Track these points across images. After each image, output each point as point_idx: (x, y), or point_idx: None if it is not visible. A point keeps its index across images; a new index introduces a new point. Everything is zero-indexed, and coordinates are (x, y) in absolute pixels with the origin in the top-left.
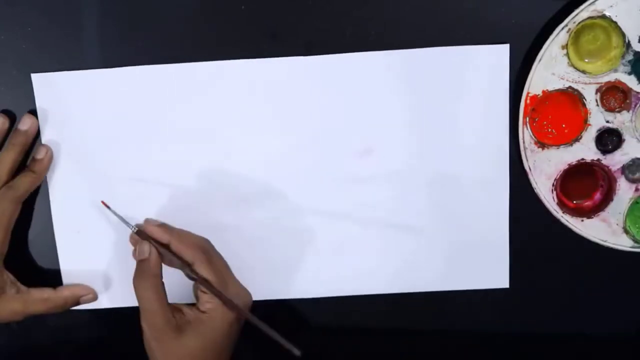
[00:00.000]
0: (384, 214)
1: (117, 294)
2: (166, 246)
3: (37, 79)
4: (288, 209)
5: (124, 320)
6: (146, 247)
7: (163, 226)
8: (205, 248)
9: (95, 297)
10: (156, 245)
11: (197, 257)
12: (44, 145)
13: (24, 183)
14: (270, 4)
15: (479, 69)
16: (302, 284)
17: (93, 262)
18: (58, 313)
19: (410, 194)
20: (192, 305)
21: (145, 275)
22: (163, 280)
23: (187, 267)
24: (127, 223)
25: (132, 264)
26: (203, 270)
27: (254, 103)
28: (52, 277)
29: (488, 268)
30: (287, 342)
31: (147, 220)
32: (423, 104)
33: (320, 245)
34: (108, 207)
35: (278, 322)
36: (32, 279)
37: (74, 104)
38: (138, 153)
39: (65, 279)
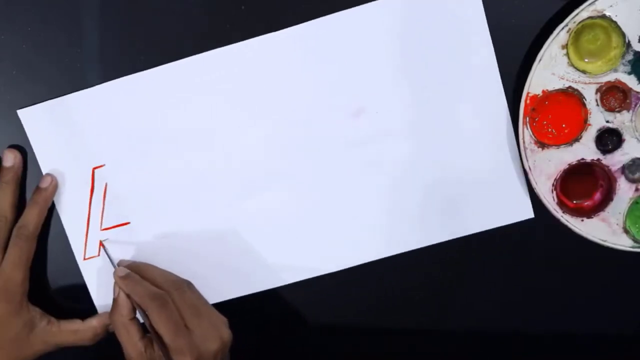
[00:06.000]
0: (390, 173)
1: None
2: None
3: (23, 114)
4: (291, 184)
5: None
6: (116, 287)
7: (125, 277)
8: (161, 298)
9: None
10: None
11: (150, 307)
12: (48, 174)
13: (32, 216)
14: (270, 3)
15: (454, 16)
16: (311, 258)
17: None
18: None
19: (413, 154)
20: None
21: (115, 312)
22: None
23: (145, 317)
24: (113, 264)
25: None
26: (155, 321)
27: (249, 85)
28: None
29: (508, 203)
30: None
31: (118, 264)
32: (413, 58)
33: (329, 212)
34: (104, 247)
35: (279, 316)
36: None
37: (65, 129)
38: (139, 158)
39: (98, 304)
